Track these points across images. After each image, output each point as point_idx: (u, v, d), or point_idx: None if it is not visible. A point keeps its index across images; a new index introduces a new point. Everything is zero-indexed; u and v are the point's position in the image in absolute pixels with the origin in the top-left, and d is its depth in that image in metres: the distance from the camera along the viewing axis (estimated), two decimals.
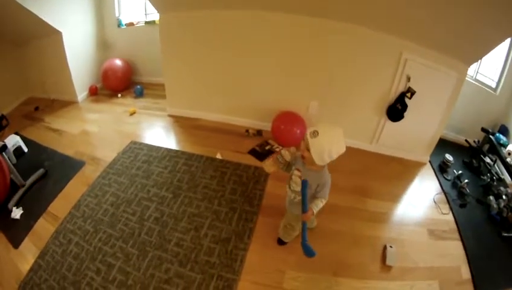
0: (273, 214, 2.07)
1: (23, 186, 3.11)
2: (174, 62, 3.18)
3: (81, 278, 2.19)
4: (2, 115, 2.92)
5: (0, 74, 4.38)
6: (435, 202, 2.08)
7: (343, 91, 2.35)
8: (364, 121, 2.40)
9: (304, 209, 1.42)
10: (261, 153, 2.56)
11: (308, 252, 1.42)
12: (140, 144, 3.51)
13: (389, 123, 2.26)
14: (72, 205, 2.82)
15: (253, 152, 2.60)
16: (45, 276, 2.27)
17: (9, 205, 2.95)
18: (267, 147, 2.57)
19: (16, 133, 3.83)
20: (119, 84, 4.57)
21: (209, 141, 2.83)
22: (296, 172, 1.53)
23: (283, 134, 2.51)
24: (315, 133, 1.29)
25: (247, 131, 2.88)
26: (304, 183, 1.42)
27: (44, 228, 2.70)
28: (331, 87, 2.35)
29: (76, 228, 2.58)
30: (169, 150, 3.14)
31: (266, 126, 2.82)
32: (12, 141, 3.58)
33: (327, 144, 1.29)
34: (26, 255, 2.50)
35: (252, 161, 2.54)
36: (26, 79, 4.82)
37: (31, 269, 2.35)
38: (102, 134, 3.89)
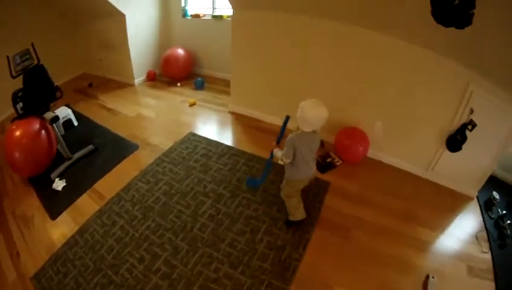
0: (330, 228, 2.33)
1: (70, 159, 3.46)
2: (243, 60, 3.60)
3: (121, 263, 2.30)
4: (57, 86, 3.33)
5: (58, 47, 5.14)
6: (477, 238, 2.35)
7: (407, 114, 2.66)
8: (423, 147, 2.71)
9: (277, 141, 2.15)
10: (322, 165, 2.82)
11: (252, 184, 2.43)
12: (200, 136, 3.73)
13: (447, 153, 2.59)
14: (120, 187, 3.04)
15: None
16: (81, 253, 2.43)
17: (52, 175, 3.27)
18: (328, 159, 2.84)
19: (67, 106, 4.29)
20: (179, 73, 5.14)
21: (271, 144, 3.11)
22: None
23: (346, 149, 2.81)
24: (301, 104, 1.88)
25: None
26: (287, 119, 2.07)
27: (87, 204, 2.92)
28: (396, 108, 2.69)
29: (123, 211, 2.75)
30: (229, 148, 3.42)
31: (328, 137, 3.15)
32: (64, 112, 4.10)
33: (303, 108, 1.89)
34: (63, 228, 2.71)
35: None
36: (84, 55, 5.61)
37: (66, 243, 2.53)
38: (159, 120, 4.23)
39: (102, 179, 3.18)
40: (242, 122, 3.99)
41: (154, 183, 3.01)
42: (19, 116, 3.12)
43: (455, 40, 2.02)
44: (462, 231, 2.45)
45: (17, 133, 3.00)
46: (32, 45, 3.00)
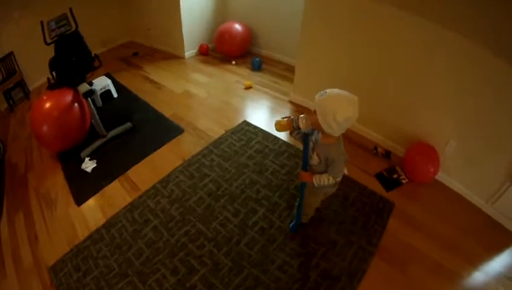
0: (388, 259, 2.24)
1: (104, 137, 3.43)
2: (312, 47, 3.55)
3: (151, 272, 2.19)
4: (95, 55, 3.34)
5: (104, 11, 5.33)
6: None
7: (484, 136, 2.58)
8: (490, 177, 2.64)
9: (303, 167, 1.93)
10: (388, 181, 2.83)
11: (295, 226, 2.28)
12: (255, 127, 3.56)
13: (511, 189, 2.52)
14: (158, 177, 2.94)
15: (380, 177, 2.87)
16: (105, 251, 2.34)
17: (82, 154, 3.25)
18: (394, 175, 2.86)
19: (107, 76, 4.32)
20: (234, 50, 5.15)
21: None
22: (310, 144, 1.89)
23: (417, 167, 2.81)
24: (323, 94, 1.61)
25: (375, 149, 3.22)
26: (305, 139, 1.87)
27: (117, 193, 2.85)
28: (474, 126, 2.62)
29: (159, 209, 2.63)
30: (288, 145, 3.26)
31: (395, 148, 3.18)
32: (102, 83, 4.12)
33: (331, 104, 1.57)
34: (88, 218, 2.65)
35: (378, 187, 2.79)
36: (131, 22, 5.75)
37: (90, 237, 2.46)
38: (210, 102, 4.17)
39: (138, 165, 3.12)
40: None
41: (198, 178, 2.88)
42: (51, 86, 3.13)
43: None
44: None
45: (47, 104, 3.00)
46: (71, 9, 2.98)
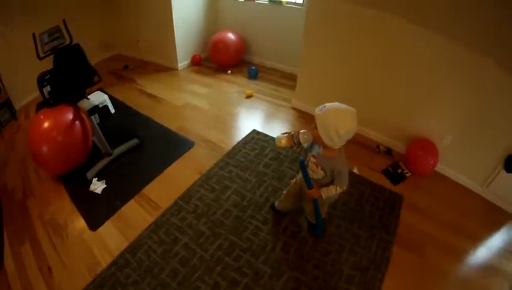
0: (406, 246, 2.42)
1: (109, 155, 3.23)
2: (314, 54, 3.64)
3: None
4: (95, 70, 3.17)
5: (91, 25, 5.11)
6: None
7: (478, 128, 2.79)
8: (483, 163, 2.86)
9: (308, 187, 1.98)
10: (394, 176, 3.01)
11: (321, 231, 2.34)
12: (266, 135, 3.53)
13: (503, 173, 2.73)
14: (178, 193, 2.81)
15: (386, 172, 3.06)
16: (135, 276, 2.18)
17: (89, 175, 3.04)
18: (398, 170, 3.04)
19: (101, 90, 4.07)
20: (229, 59, 5.14)
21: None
22: (312, 159, 1.92)
23: (418, 161, 3.03)
24: (323, 108, 1.66)
25: (377, 147, 3.40)
26: (302, 163, 1.91)
27: (136, 214, 2.68)
28: (468, 121, 2.83)
29: (186, 225, 2.53)
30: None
31: (395, 145, 3.38)
32: (99, 98, 3.89)
33: (333, 118, 1.62)
34: (107, 242, 2.47)
35: (386, 182, 2.96)
36: (118, 35, 5.56)
37: (114, 263, 2.28)
38: (213, 113, 4.08)
39: (153, 182, 2.96)
40: (307, 121, 3.79)
41: (220, 191, 2.78)
42: (44, 103, 2.92)
43: None
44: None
45: (46, 124, 2.77)
46: (64, 21, 2.82)
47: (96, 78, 3.11)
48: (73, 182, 2.98)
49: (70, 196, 2.86)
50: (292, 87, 4.38)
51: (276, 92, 4.52)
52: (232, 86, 4.68)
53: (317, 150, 1.88)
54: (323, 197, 1.92)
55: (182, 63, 5.20)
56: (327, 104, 1.66)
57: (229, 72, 5.05)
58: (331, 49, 3.42)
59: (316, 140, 1.78)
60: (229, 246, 2.34)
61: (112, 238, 2.47)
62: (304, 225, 2.50)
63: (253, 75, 4.88)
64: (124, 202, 2.75)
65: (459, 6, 2.44)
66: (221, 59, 5.08)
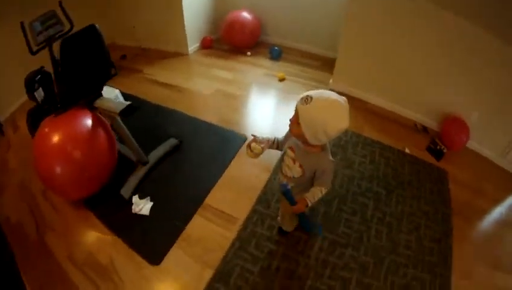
0: (459, 215, 2.52)
1: (145, 163, 2.57)
2: (357, 36, 3.59)
3: None
4: (112, 62, 2.52)
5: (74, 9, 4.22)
6: None
7: (504, 102, 2.92)
8: (506, 136, 3.01)
9: (291, 203, 1.60)
10: (436, 151, 3.13)
11: (310, 228, 2.13)
12: None
13: None
14: (252, 198, 2.40)
15: (430, 149, 3.17)
16: None
17: (124, 193, 2.39)
18: (438, 147, 3.15)
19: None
20: (246, 40, 4.79)
21: (387, 130, 3.36)
22: (289, 152, 1.61)
23: (453, 137, 3.16)
24: (308, 99, 1.31)
25: (415, 125, 3.47)
26: (284, 189, 1.52)
27: (208, 232, 2.18)
28: (491, 99, 2.98)
29: (275, 233, 2.27)
30: (357, 135, 3.23)
31: (430, 124, 3.49)
32: (110, 94, 3.11)
33: (320, 114, 1.30)
34: (183, 275, 1.94)
35: (432, 159, 3.03)
36: (110, 21, 4.76)
37: None
38: (252, 100, 3.69)
39: (214, 189, 2.45)
40: (350, 104, 3.31)
41: None
42: (37, 110, 2.37)
43: None
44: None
45: (55, 138, 2.07)
46: (60, 3, 2.19)
47: (113, 71, 2.45)
48: (105, 206, 2.32)
49: (106, 223, 2.21)
50: (317, 68, 4.23)
51: (304, 73, 4.17)
52: (257, 68, 4.30)
53: (294, 141, 1.57)
54: (309, 204, 1.59)
55: (192, 46, 4.70)
56: (312, 93, 1.31)
57: (249, 53, 4.69)
58: (369, 29, 3.33)
59: (298, 138, 1.48)
60: (329, 246, 2.24)
61: (187, 269, 1.95)
62: (387, 211, 2.52)
63: (275, 56, 4.54)
64: (185, 220, 2.18)
65: None
66: (238, 40, 4.72)
